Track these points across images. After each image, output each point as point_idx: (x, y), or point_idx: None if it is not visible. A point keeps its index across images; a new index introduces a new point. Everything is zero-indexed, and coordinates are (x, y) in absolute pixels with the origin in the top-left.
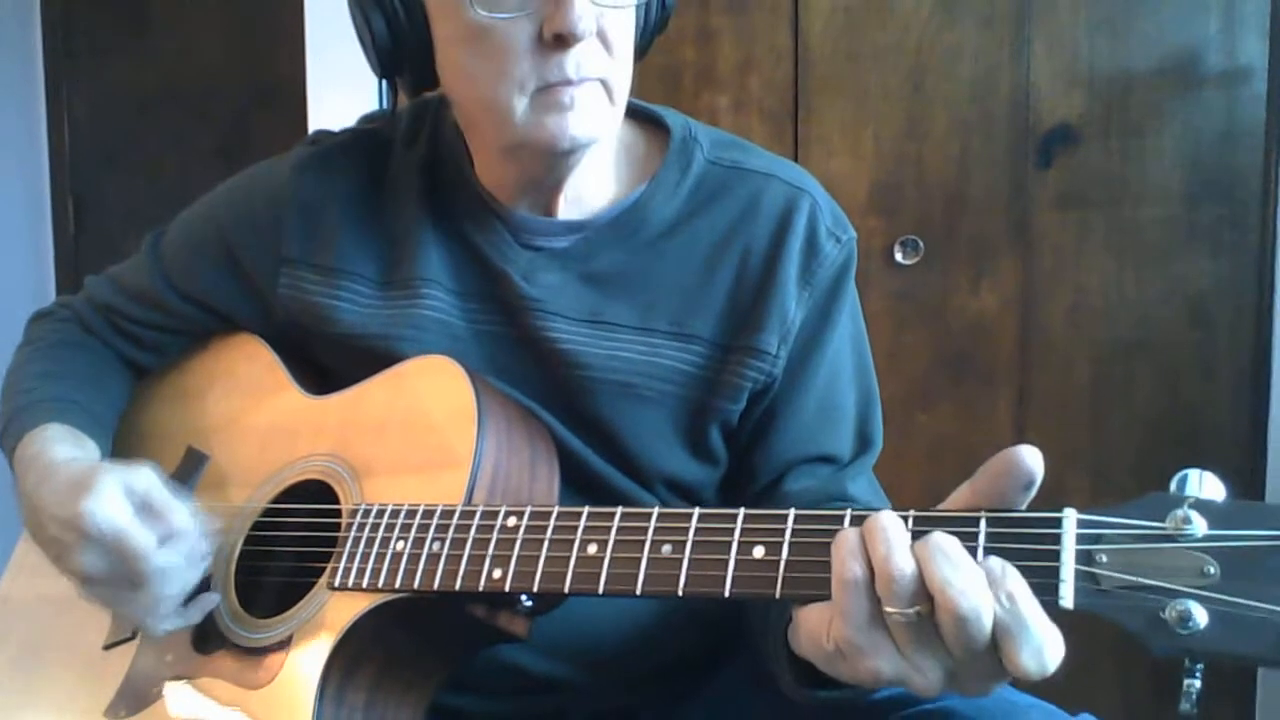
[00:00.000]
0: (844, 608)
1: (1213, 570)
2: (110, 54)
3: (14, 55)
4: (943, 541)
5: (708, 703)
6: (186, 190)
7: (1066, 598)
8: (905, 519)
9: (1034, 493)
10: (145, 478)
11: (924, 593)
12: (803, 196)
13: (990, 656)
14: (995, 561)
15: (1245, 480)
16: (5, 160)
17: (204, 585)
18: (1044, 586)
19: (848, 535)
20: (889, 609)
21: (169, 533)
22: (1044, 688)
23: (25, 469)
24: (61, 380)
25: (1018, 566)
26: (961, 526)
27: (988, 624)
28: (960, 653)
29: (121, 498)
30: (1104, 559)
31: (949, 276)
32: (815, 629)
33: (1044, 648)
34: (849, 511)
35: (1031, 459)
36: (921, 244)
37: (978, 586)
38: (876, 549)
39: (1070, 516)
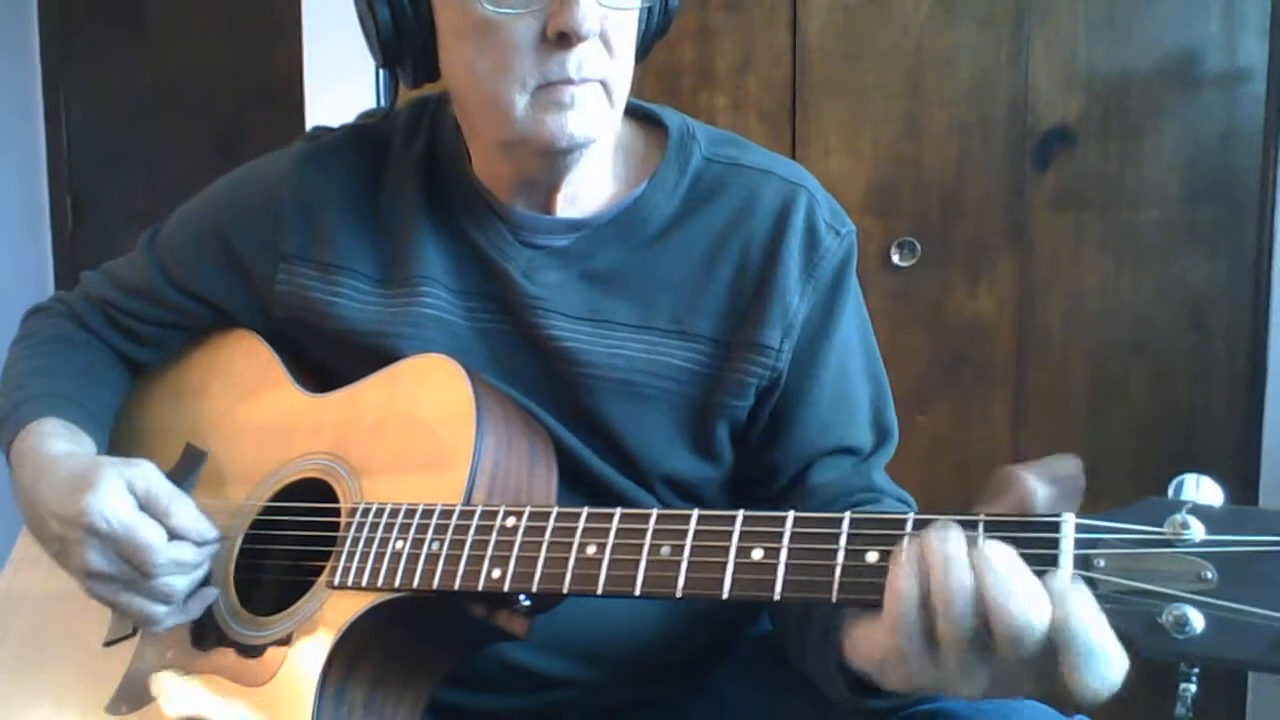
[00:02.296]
0: (894, 619)
1: (1210, 575)
2: (107, 52)
3: (11, 53)
4: (998, 552)
5: (707, 699)
6: (184, 188)
7: None
8: (904, 523)
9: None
10: (146, 472)
11: (979, 608)
12: (799, 192)
13: (1041, 665)
14: (1060, 578)
15: (1240, 482)
16: (3, 159)
17: (204, 580)
18: None
19: (905, 546)
20: (943, 625)
21: (176, 526)
22: None
23: (21, 463)
24: (57, 376)
25: None
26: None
27: (1040, 635)
28: (1014, 665)
29: (124, 493)
30: (1101, 563)
31: (946, 278)
32: (866, 637)
33: (1109, 671)
34: (847, 515)
35: (1041, 482)
36: (918, 245)
37: (1034, 599)
38: (934, 562)
39: (1068, 521)
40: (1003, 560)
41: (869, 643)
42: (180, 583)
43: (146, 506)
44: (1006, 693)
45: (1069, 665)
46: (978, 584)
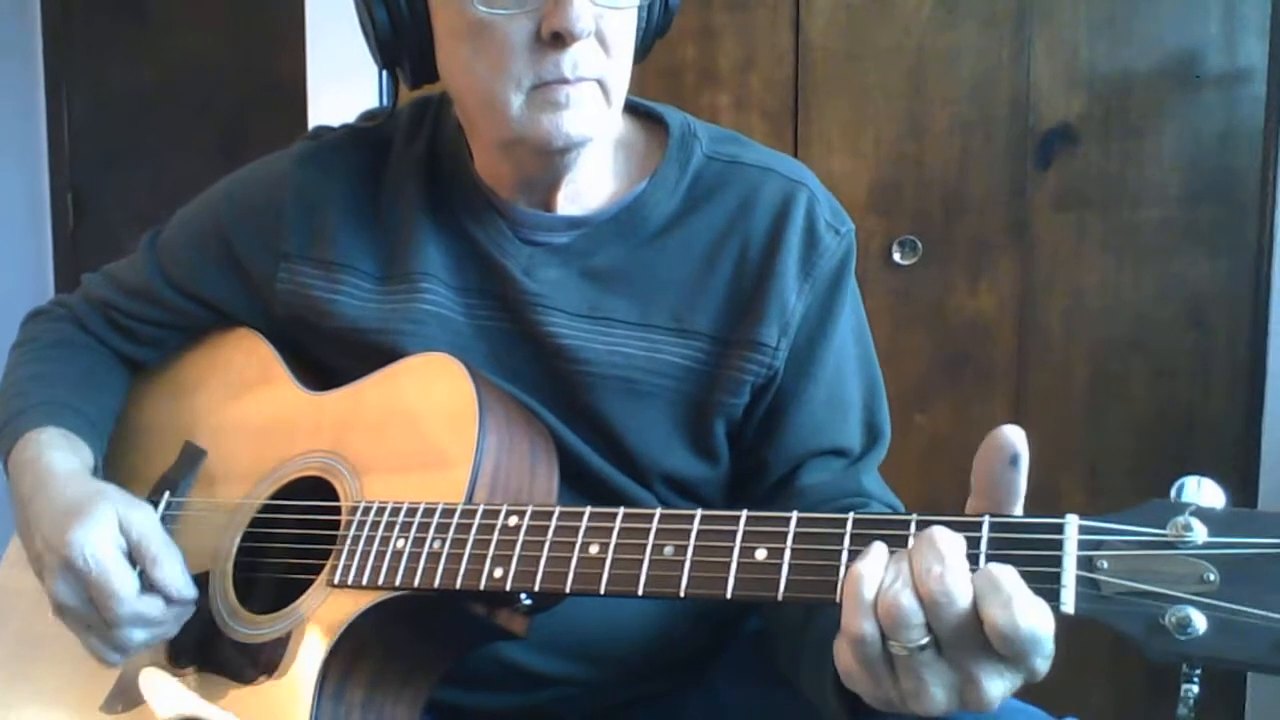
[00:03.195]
0: (850, 637)
1: (1212, 577)
2: (110, 49)
3: (14, 51)
4: (939, 534)
5: (705, 696)
6: (186, 186)
7: (1067, 603)
8: (908, 523)
9: (1023, 468)
10: (144, 518)
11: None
12: (800, 189)
13: (969, 650)
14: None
15: (1239, 481)
16: (5, 156)
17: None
18: (1045, 592)
19: (855, 567)
20: (892, 643)
21: (157, 577)
22: (1037, 690)
23: (20, 474)
24: (56, 383)
25: (1020, 571)
26: (964, 531)
27: (962, 607)
28: (952, 653)
29: (113, 532)
30: (1105, 565)
31: (947, 276)
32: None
33: (1036, 616)
34: (851, 515)
35: (1012, 435)
36: (920, 244)
37: (959, 567)
38: (884, 579)
39: (1072, 522)
40: (943, 540)
41: (838, 648)
42: (138, 637)
43: (134, 549)
44: (971, 696)
45: (997, 612)
46: (912, 556)
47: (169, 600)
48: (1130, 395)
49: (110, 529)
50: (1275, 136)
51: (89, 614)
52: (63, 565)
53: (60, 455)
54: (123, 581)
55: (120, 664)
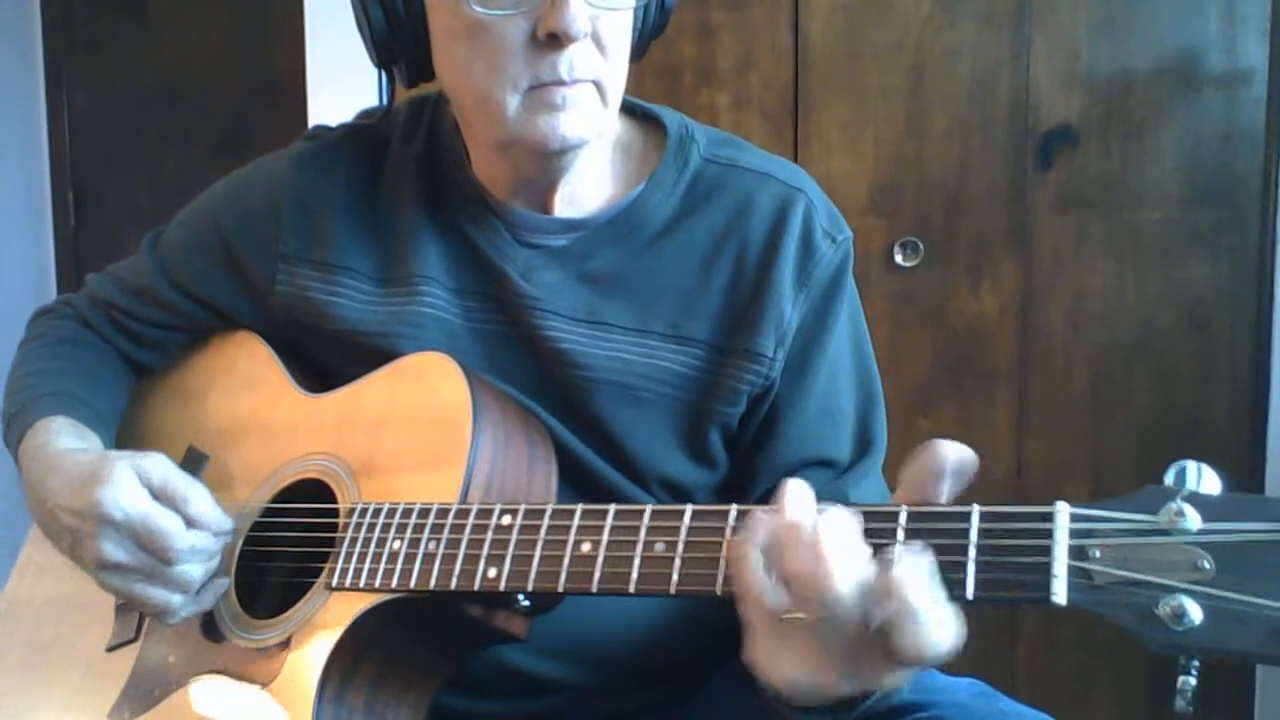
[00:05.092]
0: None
1: (1207, 565)
2: (110, 48)
3: (14, 49)
4: (836, 518)
5: (708, 702)
6: (186, 184)
7: (1059, 594)
8: (896, 514)
9: (948, 482)
10: (158, 463)
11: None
12: (798, 196)
13: (868, 640)
14: (899, 550)
15: (1244, 484)
16: (6, 154)
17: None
18: (1036, 583)
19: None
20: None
21: (192, 514)
22: (1042, 691)
23: (30, 461)
24: (64, 376)
25: (1010, 562)
26: (954, 522)
27: (850, 595)
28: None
29: (137, 483)
30: (1097, 554)
31: (949, 278)
32: None
33: (936, 636)
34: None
35: (951, 453)
36: (921, 246)
37: (851, 559)
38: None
39: (1062, 511)
40: (839, 525)
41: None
42: (197, 570)
43: (161, 496)
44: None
45: (896, 628)
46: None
47: (213, 523)
48: (1133, 399)
49: (133, 482)
50: (1276, 137)
51: (143, 562)
52: (101, 525)
53: (68, 440)
54: (168, 519)
55: (180, 611)
